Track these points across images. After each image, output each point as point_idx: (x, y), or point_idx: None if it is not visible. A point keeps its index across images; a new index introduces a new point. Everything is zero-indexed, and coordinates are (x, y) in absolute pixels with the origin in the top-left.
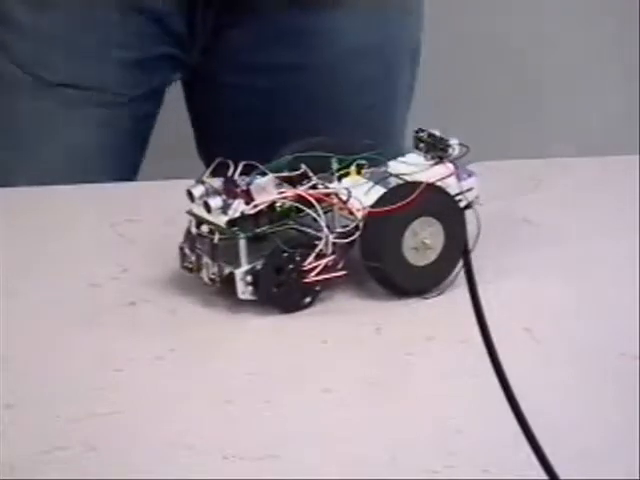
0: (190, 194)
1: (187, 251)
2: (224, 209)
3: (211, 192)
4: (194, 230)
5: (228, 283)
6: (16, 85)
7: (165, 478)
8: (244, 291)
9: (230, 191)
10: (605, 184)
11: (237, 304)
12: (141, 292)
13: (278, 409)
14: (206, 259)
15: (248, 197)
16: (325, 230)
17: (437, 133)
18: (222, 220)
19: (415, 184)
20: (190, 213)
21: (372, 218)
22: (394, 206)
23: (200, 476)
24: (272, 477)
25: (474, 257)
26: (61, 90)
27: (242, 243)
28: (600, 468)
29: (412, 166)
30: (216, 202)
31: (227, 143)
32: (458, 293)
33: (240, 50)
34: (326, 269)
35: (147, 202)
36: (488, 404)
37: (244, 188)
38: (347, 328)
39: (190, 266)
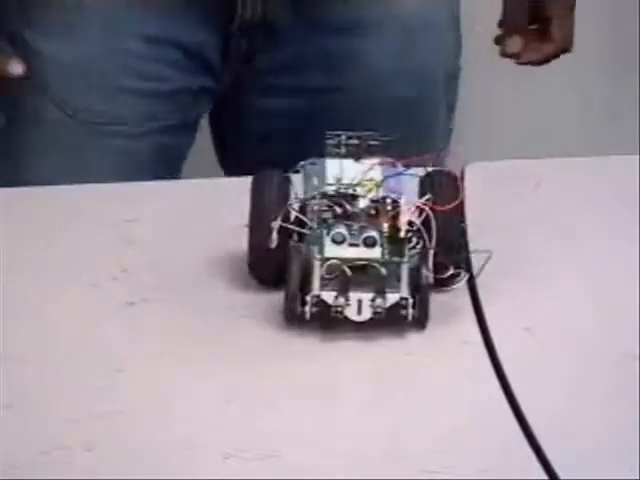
0: None
1: None
2: None
3: None
4: None
5: None
6: (43, 116)
7: (165, 478)
8: None
9: None
10: (605, 184)
11: (237, 304)
12: (141, 292)
13: (278, 409)
14: None
15: None
16: None
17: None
18: None
19: None
20: None
21: None
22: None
23: (200, 476)
24: (272, 477)
25: (473, 258)
26: (87, 121)
27: None
28: (600, 468)
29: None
30: None
31: (257, 164)
32: (458, 293)
33: (272, 74)
34: None
35: (147, 202)
36: (488, 404)
37: None
38: (348, 328)
39: None
